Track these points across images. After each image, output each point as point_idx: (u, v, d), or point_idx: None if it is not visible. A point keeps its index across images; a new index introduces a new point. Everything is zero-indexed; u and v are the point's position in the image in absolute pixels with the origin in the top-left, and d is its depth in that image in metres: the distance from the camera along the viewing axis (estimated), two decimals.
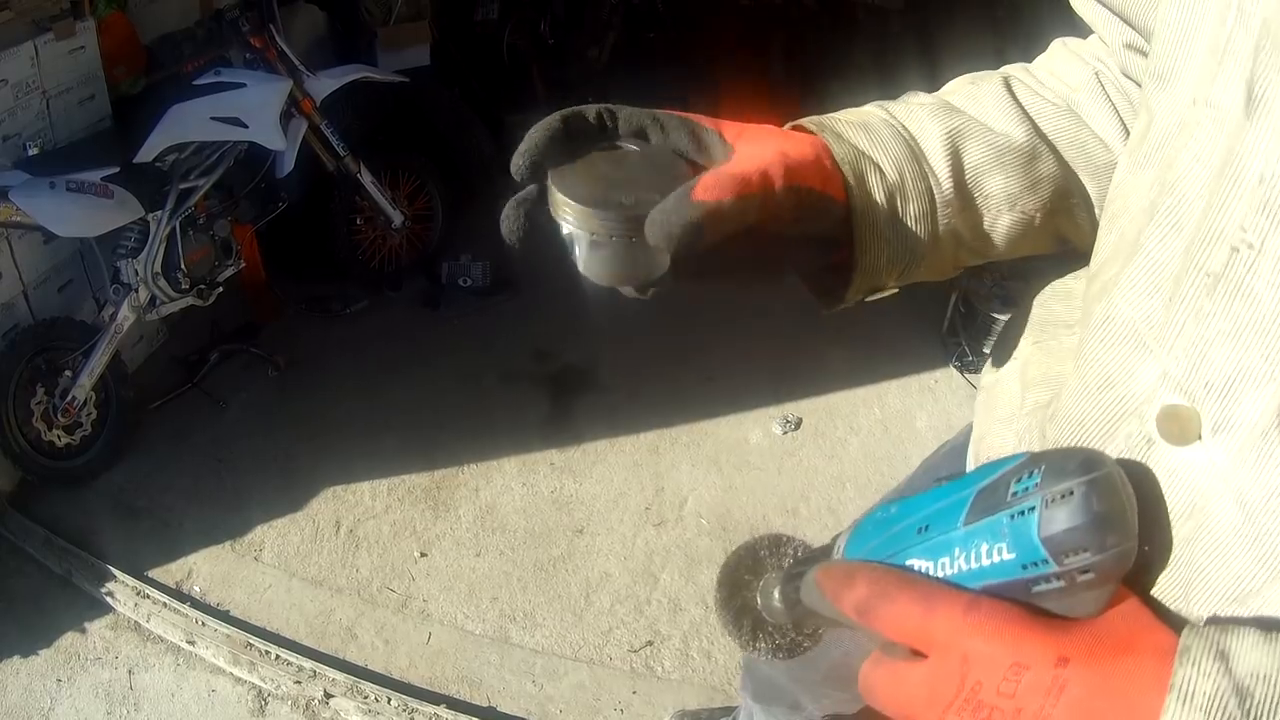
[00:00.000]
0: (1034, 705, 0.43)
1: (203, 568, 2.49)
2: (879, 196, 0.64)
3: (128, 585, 2.43)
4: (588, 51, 5.62)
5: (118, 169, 2.69)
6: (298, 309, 3.45)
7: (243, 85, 2.95)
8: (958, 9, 5.40)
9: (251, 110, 2.92)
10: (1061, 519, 0.43)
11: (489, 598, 2.35)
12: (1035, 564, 0.44)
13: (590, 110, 0.63)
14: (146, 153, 2.76)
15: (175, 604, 2.37)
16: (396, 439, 2.83)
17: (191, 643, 2.27)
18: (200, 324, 3.19)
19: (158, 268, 2.85)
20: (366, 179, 3.33)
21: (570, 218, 0.58)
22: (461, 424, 2.89)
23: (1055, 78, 0.74)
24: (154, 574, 2.49)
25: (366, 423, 2.91)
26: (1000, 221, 0.68)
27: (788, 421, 2.86)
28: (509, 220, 0.64)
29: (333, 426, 2.91)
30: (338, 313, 3.44)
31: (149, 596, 2.40)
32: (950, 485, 0.50)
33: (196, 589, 2.43)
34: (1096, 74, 0.72)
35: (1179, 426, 0.48)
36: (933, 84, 0.76)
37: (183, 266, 2.91)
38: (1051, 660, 0.43)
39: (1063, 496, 0.44)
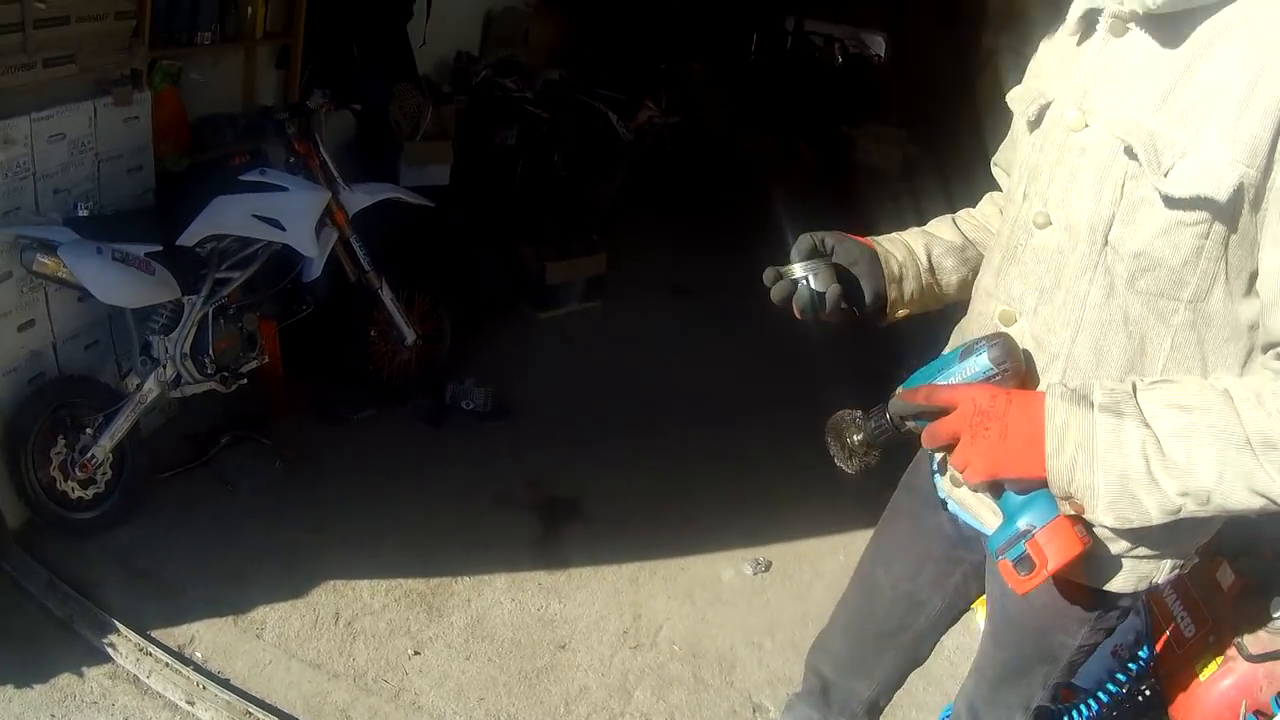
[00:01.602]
0: (999, 410, 1.24)
1: (205, 636, 2.85)
2: (895, 269, 1.57)
3: (130, 640, 2.74)
4: (597, 187, 6.28)
5: (160, 247, 3.10)
6: (308, 408, 3.92)
7: (285, 189, 3.40)
8: (950, 175, 6.26)
9: (290, 214, 3.37)
10: (995, 350, 1.29)
11: (476, 698, 2.76)
12: (988, 371, 1.29)
13: (817, 235, 1.53)
14: (189, 237, 3.18)
15: (177, 665, 2.69)
16: (395, 543, 3.26)
17: (191, 703, 2.60)
18: (212, 404, 3.57)
19: (187, 349, 3.27)
20: (386, 295, 3.84)
21: (799, 268, 1.46)
22: (457, 537, 3.34)
23: (980, 212, 1.75)
24: (156, 634, 2.81)
25: (367, 524, 3.34)
26: (949, 280, 1.64)
27: (758, 563, 3.35)
28: (770, 275, 1.50)
29: (335, 523, 3.33)
30: (345, 417, 3.91)
31: (151, 654, 2.71)
32: (948, 354, 1.35)
33: (198, 654, 2.78)
34: (1000, 208, 1.65)
35: (1008, 317, 1.42)
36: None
37: (210, 352, 3.33)
38: (1004, 396, 1.26)
39: (991, 344, 1.30)
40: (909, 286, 1.58)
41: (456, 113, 5.62)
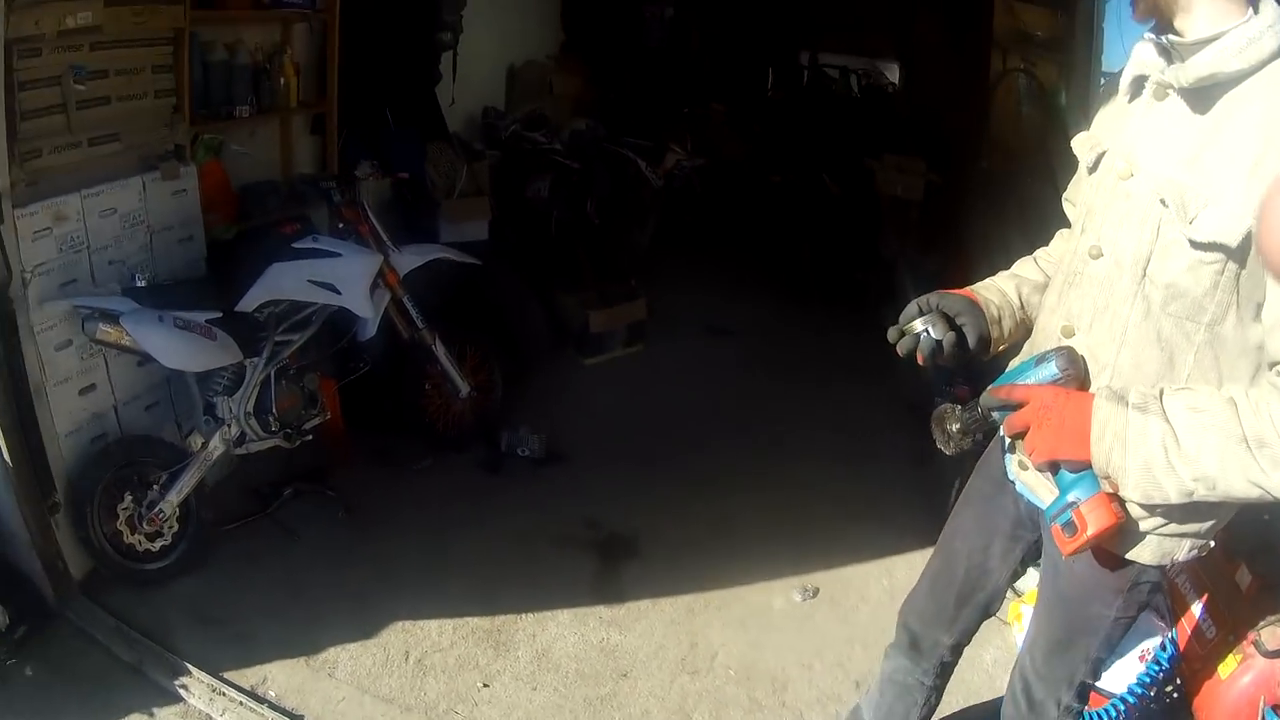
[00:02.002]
0: (1059, 405, 1.64)
1: (278, 676, 3.07)
2: (994, 312, 1.92)
3: (203, 681, 2.96)
4: (630, 234, 6.55)
5: (220, 314, 3.37)
6: (367, 459, 4.19)
7: (338, 255, 3.65)
8: (971, 200, 6.55)
9: (345, 279, 3.61)
10: (1062, 360, 1.70)
11: None
12: (1055, 376, 1.69)
13: (921, 299, 1.89)
14: (248, 303, 3.45)
15: (251, 703, 2.91)
16: (459, 584, 3.52)
17: None
18: (272, 458, 3.82)
19: (250, 408, 3.56)
20: (440, 350, 4.12)
21: (918, 323, 1.83)
22: (519, 576, 3.59)
23: (1053, 249, 2.07)
24: (229, 675, 3.02)
25: (431, 567, 3.60)
26: (1038, 313, 1.95)
27: (807, 590, 3.59)
28: (894, 334, 1.86)
29: (400, 566, 3.59)
30: (404, 467, 4.18)
31: (224, 694, 2.92)
32: (1026, 362, 1.77)
33: (272, 693, 3.00)
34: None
35: (1069, 331, 1.78)
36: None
37: (274, 411, 3.62)
38: (1064, 394, 1.66)
39: (1059, 354, 1.71)
40: (1007, 325, 1.95)
41: (489, 168, 5.90)
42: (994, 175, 6.62)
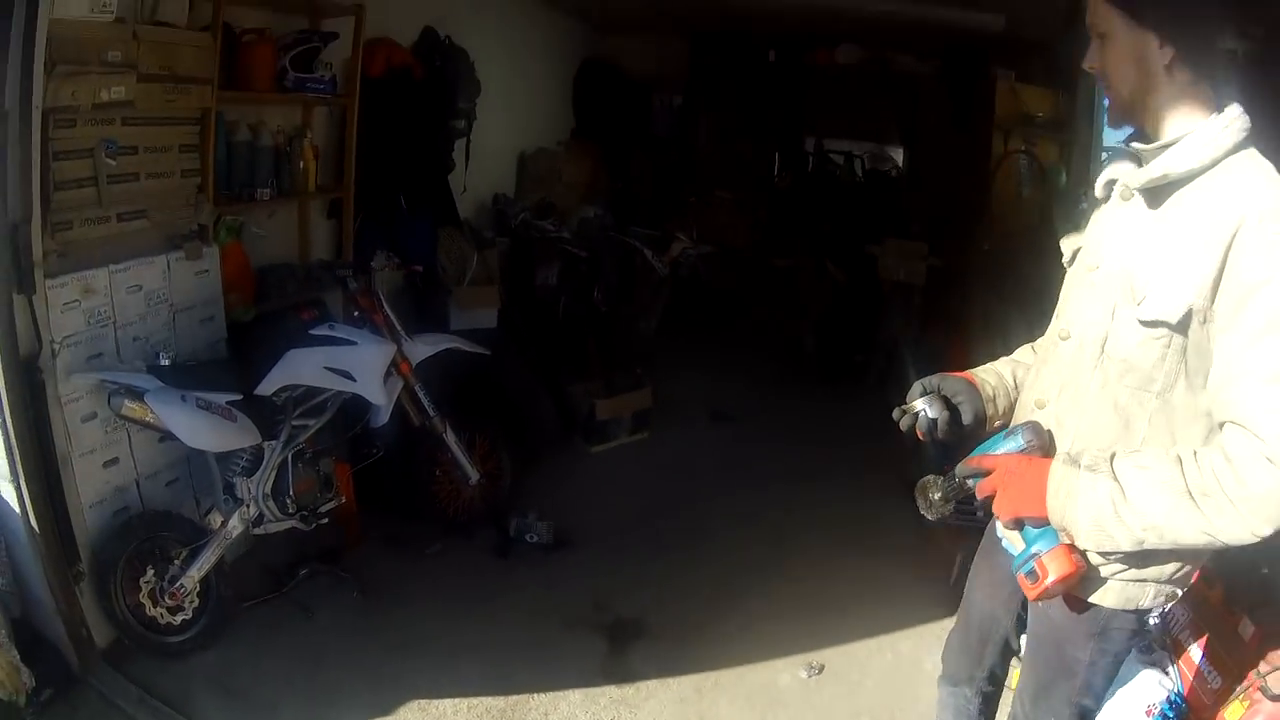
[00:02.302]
0: (1022, 471, 1.87)
1: None
2: (989, 392, 2.16)
3: None
4: (636, 322, 6.79)
5: (240, 396, 3.51)
6: (380, 542, 4.35)
7: (354, 343, 3.81)
8: (971, 281, 6.79)
9: (360, 366, 3.78)
10: (1028, 432, 1.92)
11: None
12: (1021, 446, 1.91)
13: (925, 380, 2.15)
14: (266, 387, 3.59)
15: None
16: (473, 665, 3.62)
17: None
18: (289, 538, 3.91)
19: (268, 490, 3.68)
20: (450, 438, 4.26)
21: (918, 403, 2.09)
22: (531, 658, 3.71)
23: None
24: None
25: (445, 648, 3.71)
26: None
27: (812, 667, 3.71)
28: (897, 412, 2.13)
29: (414, 647, 3.71)
30: (417, 551, 4.33)
31: None
32: (996, 436, 1.97)
33: None
34: None
35: (1040, 404, 2.04)
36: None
37: (291, 493, 3.74)
38: (1027, 461, 1.89)
39: (1025, 427, 1.94)
40: (1001, 403, 2.20)
41: (499, 255, 6.14)
42: (994, 255, 6.89)
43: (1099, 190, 2.07)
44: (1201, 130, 1.81)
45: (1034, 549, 1.87)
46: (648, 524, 4.83)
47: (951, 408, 2.10)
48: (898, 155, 11.32)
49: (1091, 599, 2.00)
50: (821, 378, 7.26)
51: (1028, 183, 7.91)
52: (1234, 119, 1.82)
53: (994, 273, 6.58)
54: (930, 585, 4.17)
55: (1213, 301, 1.74)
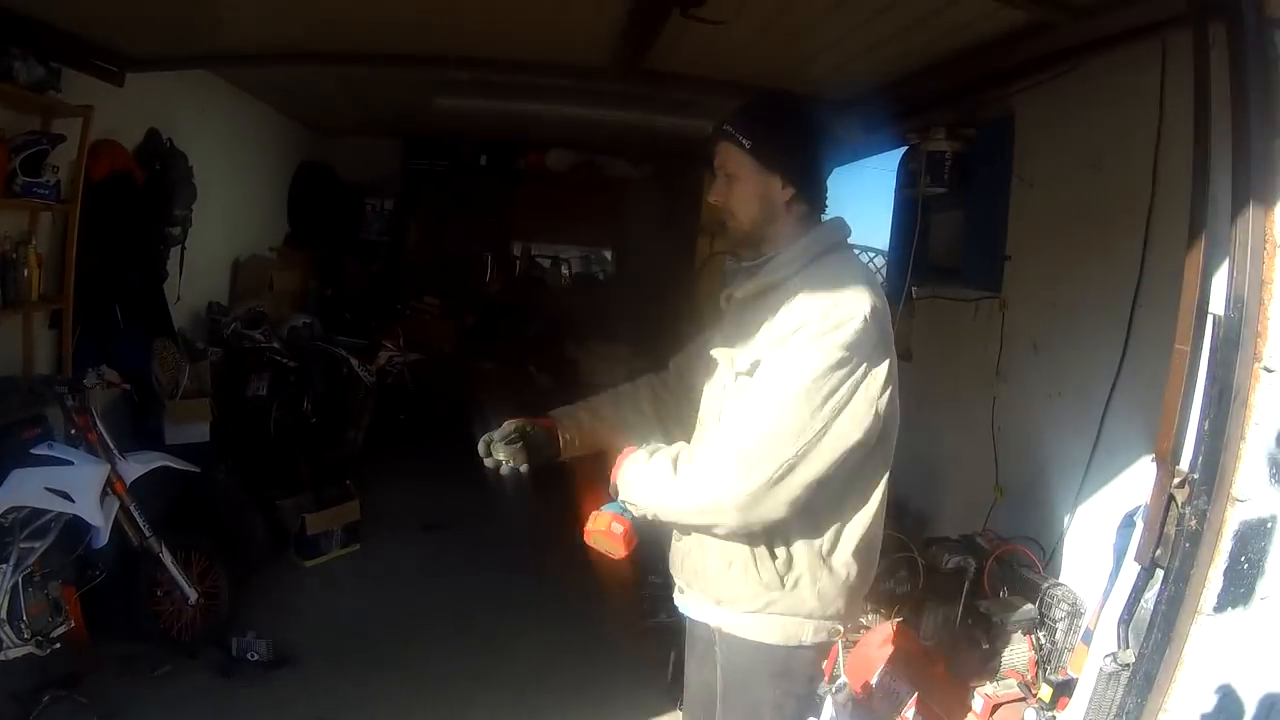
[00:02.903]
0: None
1: None
2: (569, 437, 2.59)
3: None
4: (345, 434, 7.13)
5: None
6: (113, 665, 4.41)
7: (70, 463, 3.96)
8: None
9: (77, 487, 3.91)
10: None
11: None
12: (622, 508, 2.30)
13: (515, 422, 2.54)
14: None
15: None
16: None
17: None
18: (32, 663, 3.93)
19: (3, 615, 3.74)
20: (166, 558, 4.44)
21: (501, 450, 2.48)
22: None
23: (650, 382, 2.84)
24: None
25: None
26: (600, 431, 2.63)
27: None
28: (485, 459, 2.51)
29: None
30: (146, 673, 4.43)
31: None
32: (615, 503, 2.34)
33: None
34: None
35: None
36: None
37: (24, 618, 3.82)
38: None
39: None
40: (576, 440, 2.61)
41: (211, 366, 6.26)
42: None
43: (721, 301, 2.55)
44: (792, 249, 2.33)
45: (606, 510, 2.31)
46: (365, 637, 5.09)
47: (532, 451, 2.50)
48: (608, 258, 12.18)
49: (761, 639, 2.32)
50: (528, 483, 7.65)
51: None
52: (820, 235, 2.37)
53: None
54: (647, 685, 4.60)
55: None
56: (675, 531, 2.53)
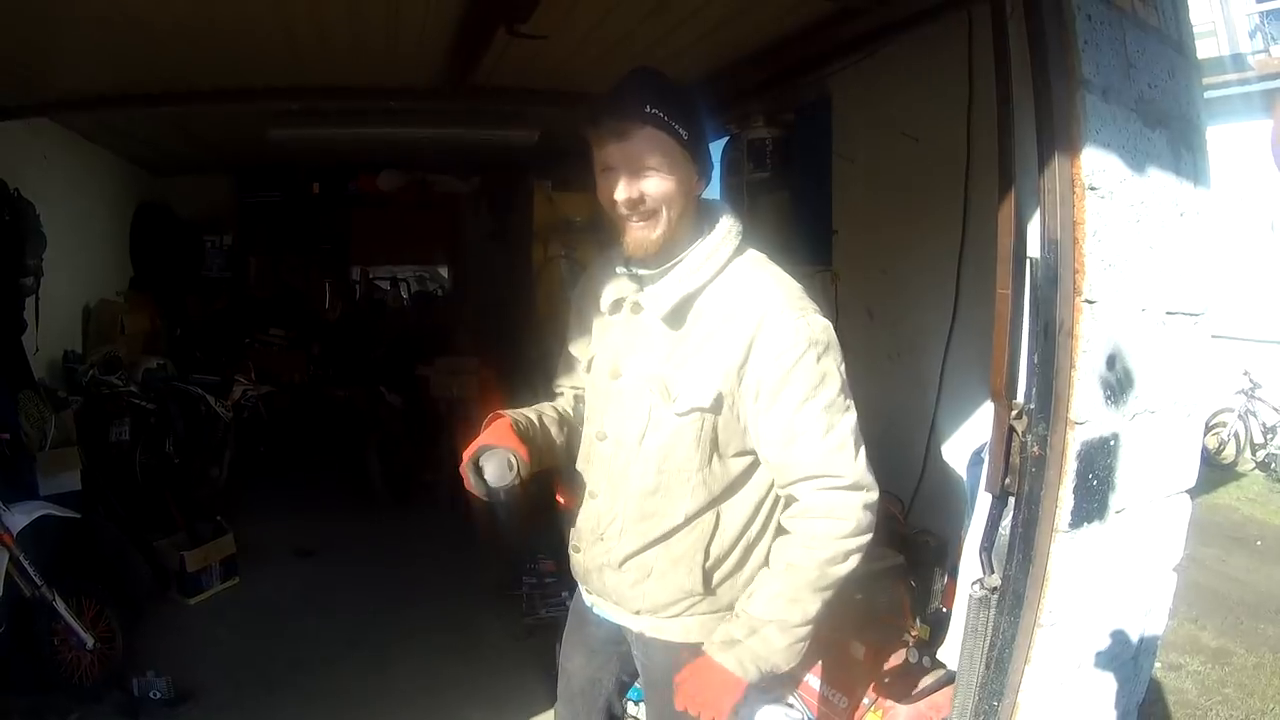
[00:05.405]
0: (692, 681, 2.24)
1: None
2: (535, 455, 2.32)
3: None
4: (209, 471, 7.33)
5: None
6: (18, 718, 4.54)
7: None
8: (526, 385, 7.67)
9: None
10: None
11: None
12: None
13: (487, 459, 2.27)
14: None
15: None
16: None
17: None
18: None
19: None
20: (60, 606, 4.61)
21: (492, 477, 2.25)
22: None
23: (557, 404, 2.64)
24: None
25: None
26: (555, 443, 2.46)
27: None
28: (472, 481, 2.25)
29: None
30: None
31: None
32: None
33: None
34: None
35: (593, 495, 2.42)
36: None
37: None
38: (691, 670, 2.25)
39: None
40: (548, 455, 2.43)
41: (74, 415, 6.32)
42: (544, 357, 7.84)
43: (606, 307, 2.33)
44: (701, 246, 2.15)
45: None
46: (258, 666, 5.25)
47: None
48: (444, 274, 12.33)
49: (679, 639, 2.33)
50: (394, 500, 7.94)
51: (571, 285, 8.32)
52: (728, 229, 2.19)
53: (546, 374, 7.44)
54: (534, 681, 4.81)
55: (739, 385, 2.11)
56: (574, 545, 2.54)
